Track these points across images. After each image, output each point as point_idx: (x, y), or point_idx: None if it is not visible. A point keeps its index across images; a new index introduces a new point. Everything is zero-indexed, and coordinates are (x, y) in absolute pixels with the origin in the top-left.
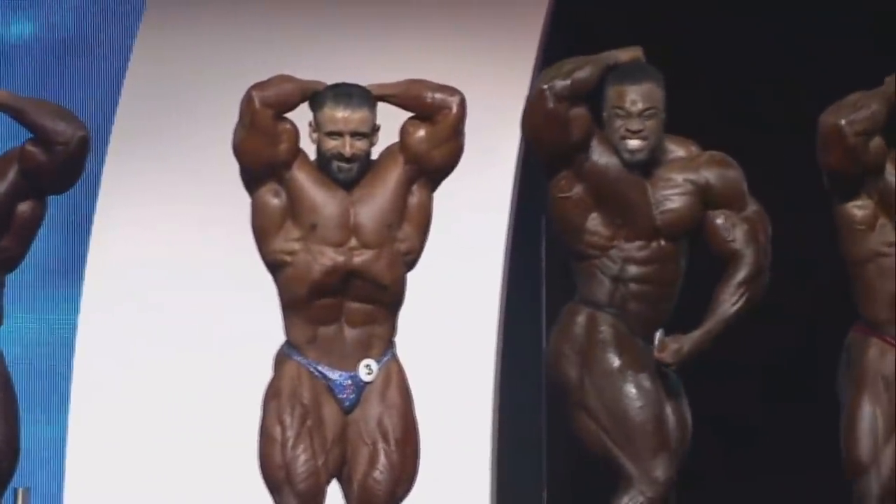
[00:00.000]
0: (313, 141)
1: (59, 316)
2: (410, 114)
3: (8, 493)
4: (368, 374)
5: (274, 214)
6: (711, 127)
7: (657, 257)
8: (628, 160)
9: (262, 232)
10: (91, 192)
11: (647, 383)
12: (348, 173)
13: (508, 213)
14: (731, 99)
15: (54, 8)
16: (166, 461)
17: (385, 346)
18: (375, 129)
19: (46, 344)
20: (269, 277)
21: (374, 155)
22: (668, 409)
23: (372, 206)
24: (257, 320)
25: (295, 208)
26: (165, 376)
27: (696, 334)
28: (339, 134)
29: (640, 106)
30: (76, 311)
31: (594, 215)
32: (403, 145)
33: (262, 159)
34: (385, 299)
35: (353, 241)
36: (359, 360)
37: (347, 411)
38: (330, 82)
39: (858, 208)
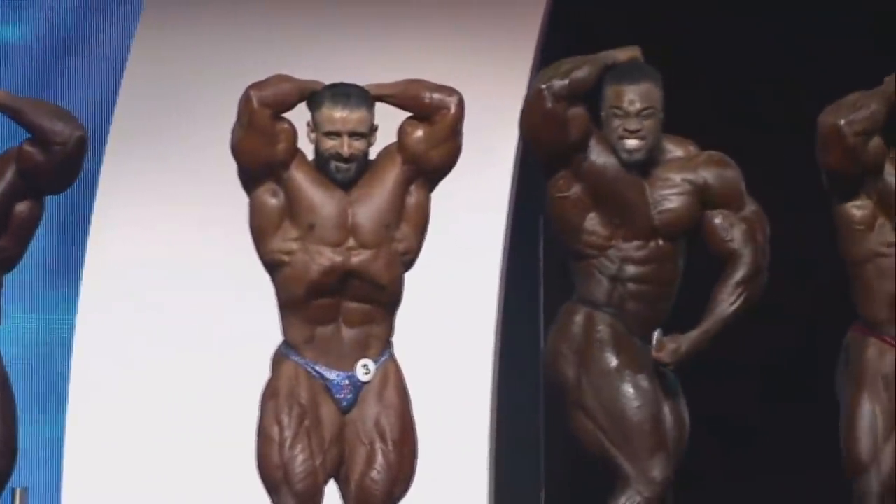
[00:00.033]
0: (311, 141)
1: (56, 316)
2: (408, 114)
3: (6, 492)
4: (366, 373)
5: (272, 214)
6: (711, 127)
7: (655, 257)
8: (626, 160)
9: (260, 232)
10: (89, 192)
11: (644, 383)
12: (346, 173)
13: (506, 213)
14: (731, 99)
15: (52, 8)
16: (164, 461)
17: (382, 346)
18: (373, 129)
19: (44, 344)
20: (267, 277)
21: (372, 155)
22: (666, 409)
23: (370, 207)
24: (256, 320)
25: (293, 208)
26: (163, 376)
27: (693, 334)
28: (337, 134)
29: (638, 106)
30: (74, 311)
31: (592, 215)
32: (401, 145)
33: (260, 159)
34: (383, 299)
35: (351, 241)
36: (356, 360)
37: (345, 411)
38: (328, 82)
39: (857, 208)
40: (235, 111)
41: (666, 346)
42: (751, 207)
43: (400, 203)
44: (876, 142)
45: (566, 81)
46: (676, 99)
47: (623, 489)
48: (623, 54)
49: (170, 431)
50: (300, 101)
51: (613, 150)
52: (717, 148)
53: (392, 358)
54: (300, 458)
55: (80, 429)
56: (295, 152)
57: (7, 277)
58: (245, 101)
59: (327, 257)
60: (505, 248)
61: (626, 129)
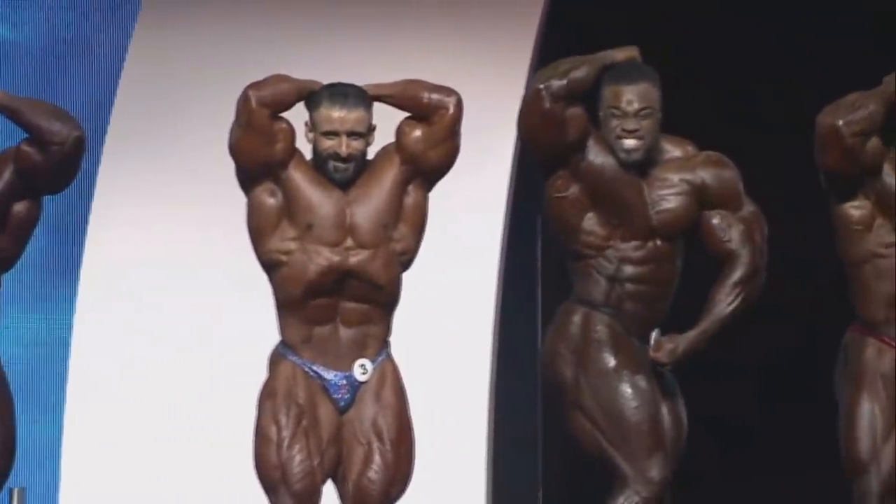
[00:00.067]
0: (309, 141)
1: (54, 316)
2: (406, 114)
3: (3, 493)
4: (363, 373)
5: (270, 214)
6: (711, 127)
7: (653, 257)
8: (624, 160)
9: (258, 231)
10: (87, 191)
11: (642, 383)
12: (344, 173)
13: (504, 213)
14: (731, 99)
15: (50, 8)
16: (162, 461)
17: (380, 346)
18: (371, 128)
19: (42, 344)
20: (265, 277)
21: (370, 155)
22: (664, 409)
23: (368, 207)
24: (254, 320)
25: (291, 208)
26: (161, 376)
27: (691, 334)
28: (336, 134)
29: (636, 106)
30: (72, 310)
31: (590, 215)
32: (399, 145)
33: (258, 159)
34: (381, 299)
35: (349, 241)
36: (354, 360)
37: (342, 411)
38: (326, 82)
39: (856, 209)
40: (233, 111)
41: (663, 346)
42: (749, 208)
43: (398, 203)
44: (874, 142)
45: (564, 81)
46: (676, 99)
47: (621, 489)
48: (621, 54)
49: (167, 431)
50: (298, 100)
51: (611, 150)
52: (717, 148)
53: (389, 358)
54: (298, 458)
55: (77, 428)
56: (293, 152)
57: (5, 277)
58: (243, 100)
59: (325, 257)
60: (503, 248)
61: (624, 129)
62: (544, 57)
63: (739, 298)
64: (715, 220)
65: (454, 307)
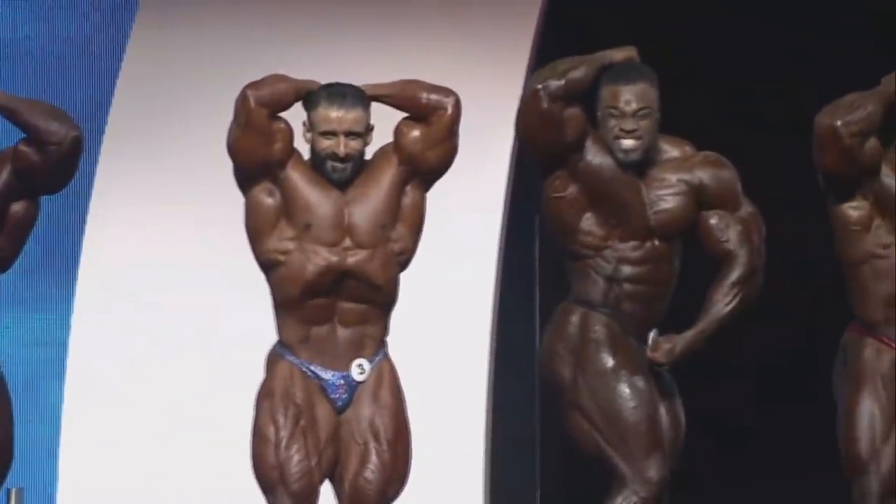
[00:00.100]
0: (307, 140)
1: (52, 316)
2: (405, 114)
3: (1, 493)
4: (360, 373)
5: (268, 214)
6: (711, 127)
7: (651, 257)
8: (622, 160)
9: (256, 231)
10: (84, 192)
11: (640, 383)
12: (342, 173)
13: (502, 213)
14: (731, 99)
15: (48, 8)
16: (160, 461)
17: (377, 346)
18: (369, 128)
19: (40, 344)
20: (263, 277)
21: (368, 155)
22: (662, 409)
23: (366, 207)
24: (252, 320)
25: (289, 208)
26: (159, 376)
27: (689, 334)
28: (333, 133)
29: (634, 106)
30: (70, 310)
31: (588, 215)
32: (397, 146)
33: (256, 158)
34: (378, 299)
35: (347, 241)
36: (351, 360)
37: (340, 411)
38: (325, 82)
39: (854, 209)
40: (231, 111)
41: (661, 346)
42: (747, 208)
43: (396, 203)
44: (872, 143)
45: (562, 82)
46: (676, 99)
47: (619, 489)
48: (619, 54)
49: (165, 431)
50: (296, 100)
51: (609, 150)
52: (717, 148)
53: (387, 358)
54: (296, 458)
55: (75, 428)
56: (291, 152)
57: (2, 277)
58: (242, 100)
59: (323, 257)
60: (501, 249)
61: (622, 130)
62: (542, 57)
63: (737, 299)
64: (713, 221)
65: (452, 307)
